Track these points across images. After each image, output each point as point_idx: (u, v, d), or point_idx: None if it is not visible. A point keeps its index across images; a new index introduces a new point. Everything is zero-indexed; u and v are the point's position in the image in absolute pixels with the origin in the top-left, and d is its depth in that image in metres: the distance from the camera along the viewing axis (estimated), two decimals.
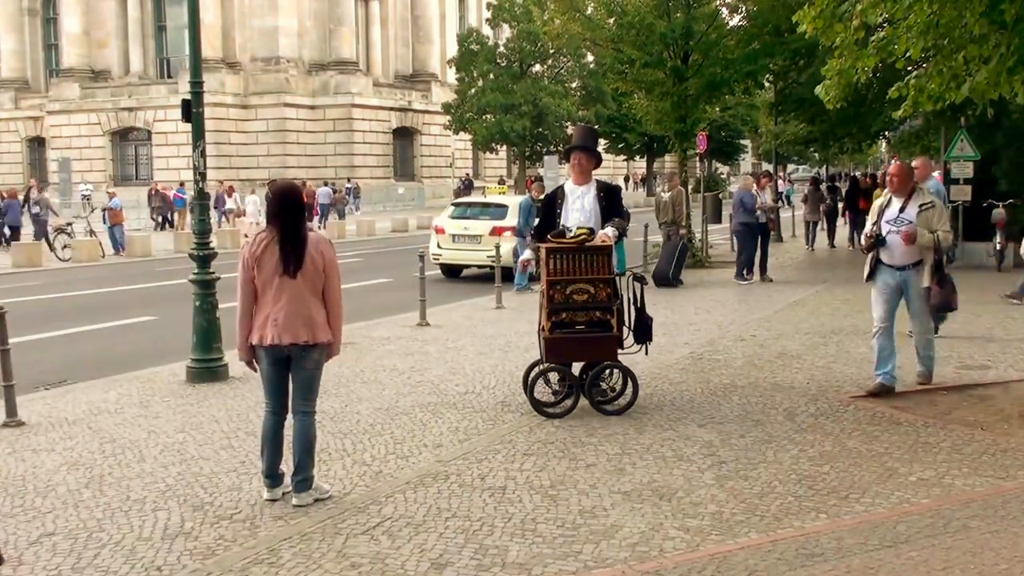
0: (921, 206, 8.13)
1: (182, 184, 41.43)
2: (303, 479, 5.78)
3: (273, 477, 5.86)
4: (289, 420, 5.89)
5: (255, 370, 5.86)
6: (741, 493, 5.81)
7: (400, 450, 6.94)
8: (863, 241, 8.57)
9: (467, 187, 55.50)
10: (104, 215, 28.55)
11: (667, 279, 16.77)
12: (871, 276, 8.33)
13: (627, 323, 7.98)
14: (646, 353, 8.21)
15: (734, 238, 18.58)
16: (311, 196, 44.68)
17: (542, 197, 11.75)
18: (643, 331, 8.04)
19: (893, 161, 19.45)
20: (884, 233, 8.23)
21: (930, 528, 5.19)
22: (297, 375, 5.79)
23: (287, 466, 5.90)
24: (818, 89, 8.55)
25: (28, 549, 5.16)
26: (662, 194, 19.48)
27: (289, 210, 5.69)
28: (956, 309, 8.78)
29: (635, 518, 5.42)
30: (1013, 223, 18.25)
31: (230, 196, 39.67)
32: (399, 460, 6.69)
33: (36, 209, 27.94)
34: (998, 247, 18.00)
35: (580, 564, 4.81)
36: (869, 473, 6.17)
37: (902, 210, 8.18)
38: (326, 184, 45.89)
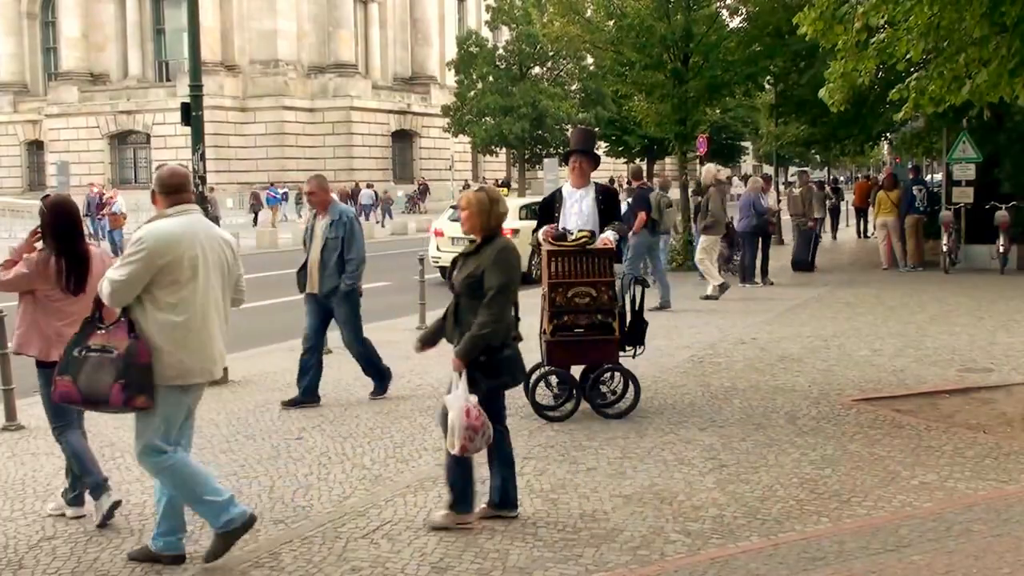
0: None
1: (272, 184, 46.47)
2: (78, 495, 5.67)
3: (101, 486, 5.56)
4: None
5: None
6: (742, 497, 5.80)
7: (400, 454, 6.93)
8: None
9: (422, 193, 55.20)
10: (105, 219, 28.57)
11: (805, 263, 19.03)
12: None
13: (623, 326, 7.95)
14: (633, 357, 8.18)
15: (740, 240, 18.34)
16: (345, 196, 45.33)
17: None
18: (637, 335, 8.01)
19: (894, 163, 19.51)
20: None
21: (932, 532, 5.17)
22: None
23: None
24: (822, 92, 8.54)
25: (28, 553, 5.15)
26: (793, 190, 22.42)
27: (63, 225, 5.48)
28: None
29: (636, 522, 5.40)
30: (1016, 225, 18.27)
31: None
32: (399, 464, 6.68)
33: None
34: (1001, 250, 18.01)
35: (581, 568, 4.79)
36: (871, 477, 6.15)
37: None
38: (369, 186, 46.90)
